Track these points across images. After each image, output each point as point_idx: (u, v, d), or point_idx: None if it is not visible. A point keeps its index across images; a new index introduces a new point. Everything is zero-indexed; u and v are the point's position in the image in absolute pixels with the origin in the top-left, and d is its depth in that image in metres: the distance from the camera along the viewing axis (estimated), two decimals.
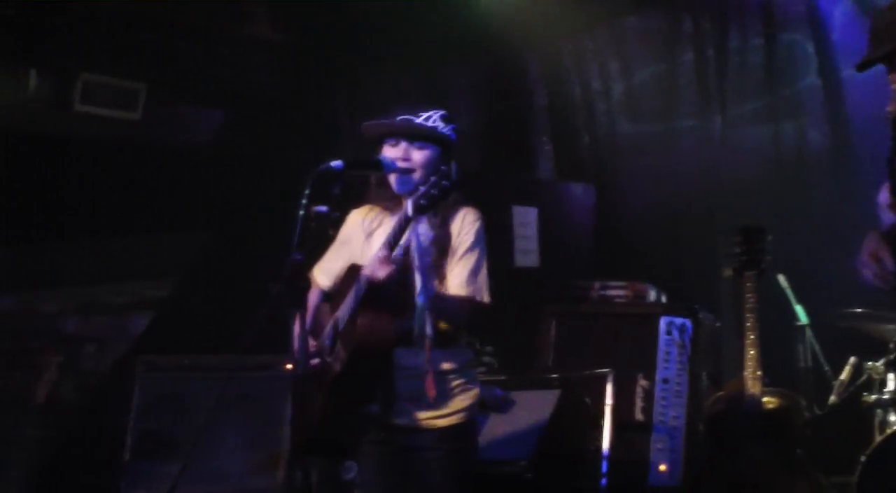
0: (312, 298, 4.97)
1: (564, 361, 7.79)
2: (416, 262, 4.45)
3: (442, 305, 4.65)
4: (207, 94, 8.56)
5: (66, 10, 7.70)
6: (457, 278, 4.73)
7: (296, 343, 4.41)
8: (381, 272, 4.36)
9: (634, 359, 7.61)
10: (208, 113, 8.72)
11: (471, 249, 4.78)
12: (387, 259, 4.37)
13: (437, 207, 4.37)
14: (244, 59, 8.73)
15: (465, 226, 4.79)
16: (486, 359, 7.76)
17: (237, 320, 4.97)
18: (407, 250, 4.54)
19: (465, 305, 4.73)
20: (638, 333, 7.71)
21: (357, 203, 4.98)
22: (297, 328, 4.47)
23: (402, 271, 4.45)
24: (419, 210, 4.25)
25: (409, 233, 4.48)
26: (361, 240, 4.85)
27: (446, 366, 4.81)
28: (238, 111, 8.82)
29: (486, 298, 4.76)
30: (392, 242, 4.39)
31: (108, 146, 8.03)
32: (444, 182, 4.24)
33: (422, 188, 4.24)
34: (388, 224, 4.75)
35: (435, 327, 4.53)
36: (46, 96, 8.03)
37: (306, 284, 4.34)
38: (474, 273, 4.74)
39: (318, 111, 9.07)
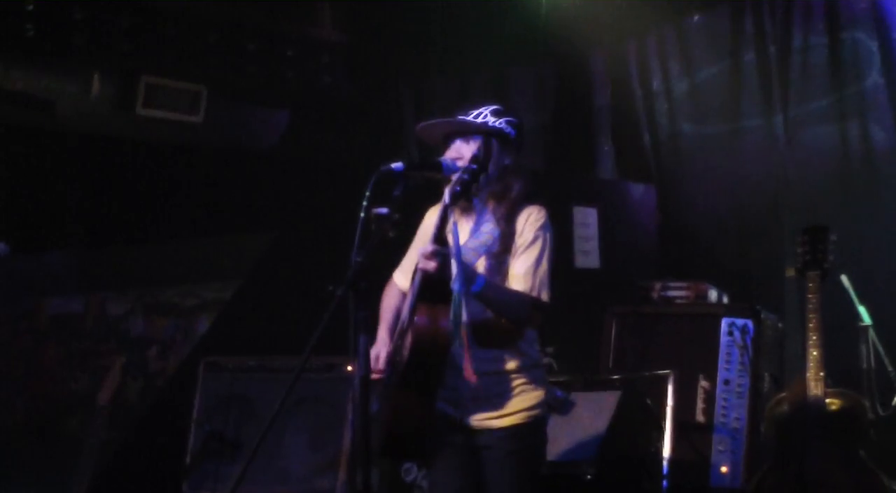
0: (392, 299, 5.02)
1: (625, 362, 7.71)
2: (453, 249, 4.38)
3: (495, 296, 4.61)
4: (271, 95, 8.61)
5: (131, 13, 7.78)
6: (516, 274, 4.71)
7: (360, 345, 4.28)
8: (429, 266, 4.36)
9: (695, 360, 7.49)
10: (272, 115, 8.78)
11: (532, 245, 4.74)
12: (433, 253, 4.38)
13: (479, 194, 4.46)
14: (308, 60, 8.78)
15: (529, 223, 4.75)
16: (547, 360, 7.63)
17: (300, 322, 4.99)
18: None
19: (524, 300, 4.69)
20: (699, 334, 7.58)
21: (431, 202, 5.00)
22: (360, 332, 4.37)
23: (450, 262, 4.42)
24: (454, 198, 4.31)
25: (448, 222, 4.48)
26: (432, 238, 4.71)
27: (510, 365, 4.78)
28: (302, 113, 8.90)
29: (544, 295, 4.72)
30: (438, 235, 4.39)
31: (171, 149, 8.25)
32: (472, 165, 4.35)
33: (455, 176, 4.35)
34: (461, 222, 4.74)
35: (480, 318, 4.52)
36: (110, 99, 8.08)
37: (367, 285, 4.19)
38: (534, 269, 4.71)
39: (383, 113, 9.16)
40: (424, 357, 4.44)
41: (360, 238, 4.13)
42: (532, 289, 4.68)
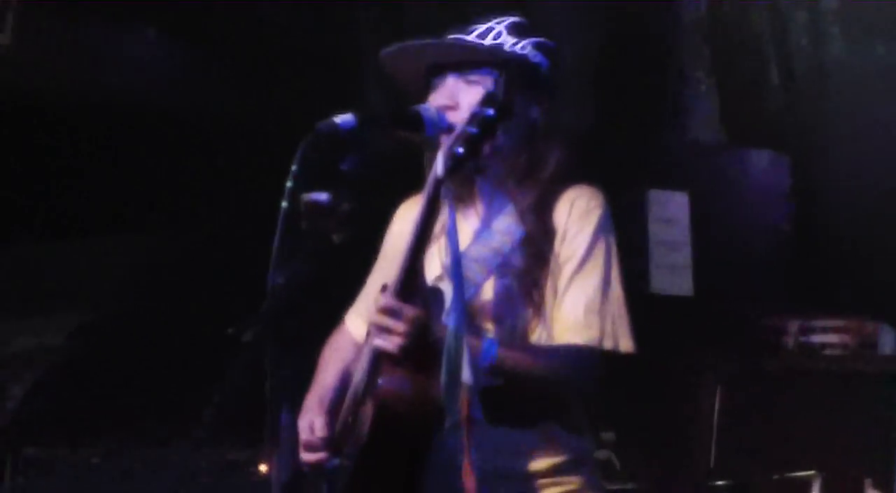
0: (340, 353, 4.29)
1: (737, 455, 6.72)
2: (449, 258, 3.62)
3: (525, 367, 3.72)
4: (126, 5, 7.37)
5: None
6: (566, 313, 3.84)
7: (282, 428, 3.68)
8: (387, 343, 3.57)
9: (859, 452, 6.53)
10: (129, 37, 7.61)
11: (588, 258, 3.88)
12: (391, 311, 3.55)
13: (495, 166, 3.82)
14: None
15: (577, 218, 3.88)
16: (604, 453, 6.51)
17: (182, 389, 5.33)
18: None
19: (585, 360, 3.82)
20: (864, 407, 6.65)
21: (402, 190, 4.26)
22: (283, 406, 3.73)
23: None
24: (454, 166, 3.51)
25: (442, 210, 3.64)
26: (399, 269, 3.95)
27: (540, 462, 3.82)
28: (182, 38, 7.70)
29: (624, 344, 3.86)
30: (411, 260, 3.58)
31: None
32: (487, 111, 3.53)
33: (457, 128, 3.58)
34: (459, 218, 3.90)
35: (492, 376, 3.69)
36: None
37: (294, 325, 3.55)
38: (600, 302, 3.85)
39: (329, 42, 7.99)
40: (393, 443, 3.68)
41: (283, 245, 3.49)
42: (601, 338, 3.84)
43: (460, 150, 3.59)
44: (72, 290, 7.50)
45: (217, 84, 7.82)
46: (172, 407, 5.58)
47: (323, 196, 3.59)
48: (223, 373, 4.03)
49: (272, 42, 7.93)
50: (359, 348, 4.32)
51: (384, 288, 3.93)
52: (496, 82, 3.76)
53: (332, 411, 4.21)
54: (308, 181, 3.65)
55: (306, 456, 4.01)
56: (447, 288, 3.81)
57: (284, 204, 3.59)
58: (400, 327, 3.65)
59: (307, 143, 3.66)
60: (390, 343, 3.69)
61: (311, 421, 4.14)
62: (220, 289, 6.12)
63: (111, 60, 8.28)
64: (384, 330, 3.70)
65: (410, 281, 3.73)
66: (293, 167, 3.61)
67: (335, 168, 3.73)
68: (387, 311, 3.65)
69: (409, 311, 3.65)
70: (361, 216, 3.82)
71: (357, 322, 4.39)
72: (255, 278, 3.70)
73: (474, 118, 3.65)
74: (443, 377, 3.65)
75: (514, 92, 3.82)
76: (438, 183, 3.66)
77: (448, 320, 3.69)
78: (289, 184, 3.59)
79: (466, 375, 3.67)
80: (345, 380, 4.28)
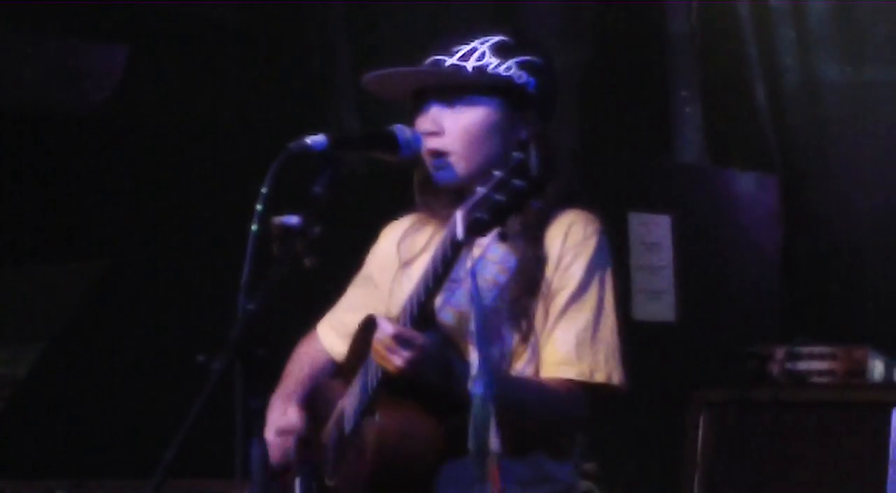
0: (309, 361, 4.23)
1: (723, 486, 6.69)
2: (474, 322, 3.51)
3: (518, 402, 3.67)
4: (98, 22, 6.92)
5: None
6: (558, 348, 3.79)
7: (252, 460, 3.30)
8: (390, 362, 3.54)
9: (846, 483, 6.42)
10: (100, 53, 7.20)
11: (583, 292, 3.80)
12: (401, 341, 3.53)
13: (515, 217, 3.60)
14: None
15: (572, 244, 3.80)
16: (584, 486, 6.06)
17: (147, 420, 5.37)
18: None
19: (572, 398, 3.77)
20: (853, 437, 6.46)
21: (389, 211, 4.26)
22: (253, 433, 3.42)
23: (445, 337, 3.67)
24: (475, 230, 3.39)
25: (462, 268, 3.58)
26: (393, 273, 4.01)
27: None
28: (153, 52, 7.12)
29: (615, 378, 3.80)
30: (424, 303, 3.55)
31: None
32: (515, 182, 3.33)
33: (479, 191, 3.37)
34: (436, 240, 3.92)
35: (508, 433, 3.57)
36: None
37: (265, 353, 3.27)
38: (591, 336, 3.78)
39: (297, 50, 7.71)
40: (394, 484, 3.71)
41: (253, 270, 3.35)
42: (591, 371, 3.79)
43: (482, 216, 3.47)
44: (33, 318, 6.83)
45: (179, 100, 7.25)
46: (140, 437, 5.41)
47: (294, 219, 3.50)
48: (191, 402, 3.68)
49: (238, 55, 7.59)
50: (331, 362, 4.30)
51: (369, 323, 3.89)
52: (529, 153, 3.50)
53: (304, 407, 4.20)
54: (279, 203, 3.51)
55: (281, 442, 3.98)
56: (472, 354, 3.70)
57: (254, 227, 3.47)
58: (406, 349, 3.62)
59: (277, 163, 3.54)
60: (394, 363, 3.66)
61: (284, 410, 4.13)
62: (187, 316, 5.95)
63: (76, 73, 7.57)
64: (394, 350, 3.67)
65: (421, 321, 3.69)
66: (263, 189, 3.52)
67: (307, 190, 3.61)
68: (394, 333, 3.61)
69: (417, 340, 3.61)
70: (333, 240, 3.61)
71: (330, 335, 4.33)
72: (223, 304, 3.51)
73: (502, 185, 3.47)
74: (470, 446, 3.58)
75: (549, 165, 3.59)
76: (458, 246, 3.56)
77: (475, 387, 3.60)
78: (258, 206, 3.48)
79: (495, 444, 3.60)
80: (315, 386, 4.27)
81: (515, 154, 3.39)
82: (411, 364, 3.61)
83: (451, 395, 3.66)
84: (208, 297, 4.84)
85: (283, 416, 4.08)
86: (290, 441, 4.07)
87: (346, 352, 4.19)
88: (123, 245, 6.60)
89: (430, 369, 3.66)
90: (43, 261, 6.75)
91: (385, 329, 3.63)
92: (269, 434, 4.08)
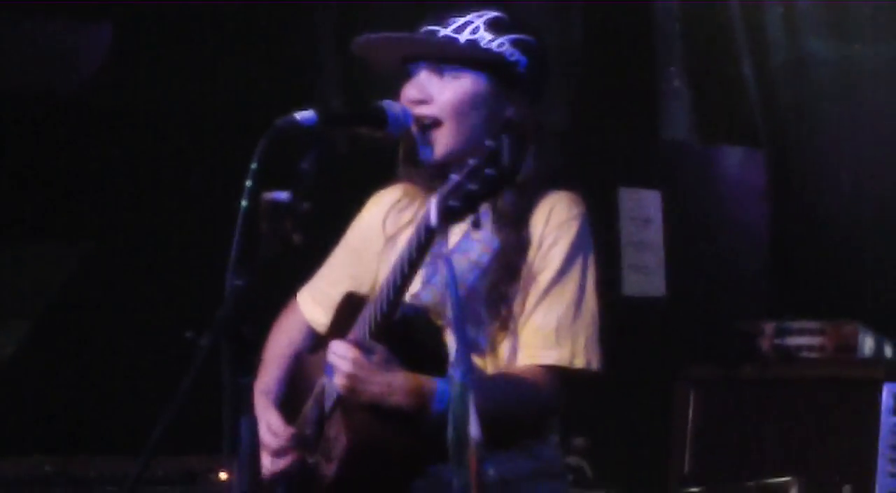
0: (289, 336, 4.28)
1: (712, 461, 6.78)
2: (451, 310, 3.46)
3: (492, 392, 3.67)
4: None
5: None
6: (536, 330, 3.83)
7: (241, 437, 3.32)
8: (338, 381, 3.63)
9: (837, 458, 6.52)
10: (83, 33, 7.21)
11: (563, 275, 3.84)
12: (352, 359, 3.59)
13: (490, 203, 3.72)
14: None
15: (554, 225, 3.85)
16: (573, 461, 6.47)
17: (135, 397, 5.36)
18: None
19: (547, 385, 3.82)
20: (843, 412, 6.59)
21: (372, 182, 4.29)
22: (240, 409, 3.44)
23: (429, 325, 3.79)
24: (448, 217, 3.42)
25: (437, 255, 3.62)
26: (380, 246, 4.05)
27: (516, 472, 3.85)
28: (138, 31, 7.10)
29: (594, 362, 3.86)
30: (401, 278, 3.58)
31: None
32: (487, 171, 3.38)
33: (453, 178, 3.42)
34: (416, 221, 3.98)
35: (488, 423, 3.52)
36: None
37: (253, 331, 3.32)
38: (571, 320, 3.84)
39: (286, 34, 7.54)
40: (370, 477, 3.72)
41: (242, 246, 3.35)
42: (571, 356, 3.83)
43: (454, 203, 3.51)
44: (19, 297, 7.00)
45: (164, 79, 7.19)
46: (128, 414, 5.38)
47: (283, 195, 3.50)
48: (179, 379, 3.39)
49: (223, 35, 7.44)
50: (312, 333, 4.33)
51: (350, 299, 3.96)
52: (502, 142, 3.56)
53: (280, 404, 4.19)
54: (267, 180, 3.53)
55: (273, 463, 3.97)
56: (450, 339, 3.79)
57: (244, 203, 3.48)
58: (354, 367, 3.61)
59: (266, 139, 3.57)
60: (339, 382, 3.71)
61: (267, 422, 4.10)
62: (175, 292, 5.96)
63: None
64: (347, 368, 3.68)
65: (384, 323, 3.70)
66: (252, 165, 3.51)
67: (295, 166, 3.63)
68: (344, 352, 3.62)
69: (372, 355, 3.62)
70: (321, 216, 3.66)
71: (311, 306, 4.36)
72: (212, 281, 3.51)
73: (474, 174, 3.51)
74: (449, 433, 3.54)
75: (522, 153, 3.66)
76: (431, 232, 3.59)
77: (454, 372, 3.55)
78: (248, 182, 3.48)
79: (474, 430, 3.54)
80: (292, 369, 4.29)
81: (488, 143, 3.42)
82: (349, 379, 3.64)
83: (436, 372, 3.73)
84: (196, 273, 4.86)
85: (267, 432, 4.06)
86: (285, 462, 4.04)
87: (327, 323, 4.21)
88: (111, 222, 6.60)
89: (373, 385, 3.65)
90: (28, 241, 6.76)
91: (336, 349, 3.67)
92: (265, 460, 4.04)
